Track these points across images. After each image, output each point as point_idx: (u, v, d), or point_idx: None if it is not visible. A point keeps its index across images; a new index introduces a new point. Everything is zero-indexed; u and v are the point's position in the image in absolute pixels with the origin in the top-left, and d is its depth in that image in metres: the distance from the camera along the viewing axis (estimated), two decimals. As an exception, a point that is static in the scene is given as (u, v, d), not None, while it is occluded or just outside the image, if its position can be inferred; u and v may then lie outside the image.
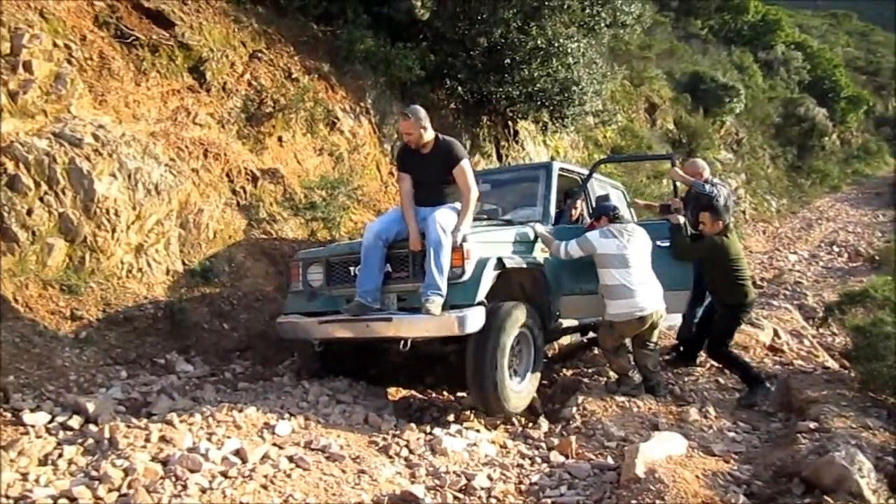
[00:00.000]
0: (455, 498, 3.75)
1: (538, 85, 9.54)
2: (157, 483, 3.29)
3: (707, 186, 6.25)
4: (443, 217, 4.77)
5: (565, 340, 7.17)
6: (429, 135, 5.09)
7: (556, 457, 4.35)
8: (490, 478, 3.99)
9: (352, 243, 5.49)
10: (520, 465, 4.26)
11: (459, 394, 5.55)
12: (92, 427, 3.92)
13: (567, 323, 5.89)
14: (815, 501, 3.45)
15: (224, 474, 3.49)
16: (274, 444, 3.93)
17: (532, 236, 5.52)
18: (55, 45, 5.55)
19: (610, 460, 4.23)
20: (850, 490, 3.44)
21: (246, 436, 3.96)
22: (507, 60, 9.26)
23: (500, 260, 4.87)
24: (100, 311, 5.04)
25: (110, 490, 3.23)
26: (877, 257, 13.36)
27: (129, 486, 3.25)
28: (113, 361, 4.93)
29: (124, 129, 5.72)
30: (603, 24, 10.53)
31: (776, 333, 7.44)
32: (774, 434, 4.88)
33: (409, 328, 4.66)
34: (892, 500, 3.47)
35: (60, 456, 3.56)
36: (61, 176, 5.10)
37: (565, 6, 9.49)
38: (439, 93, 9.62)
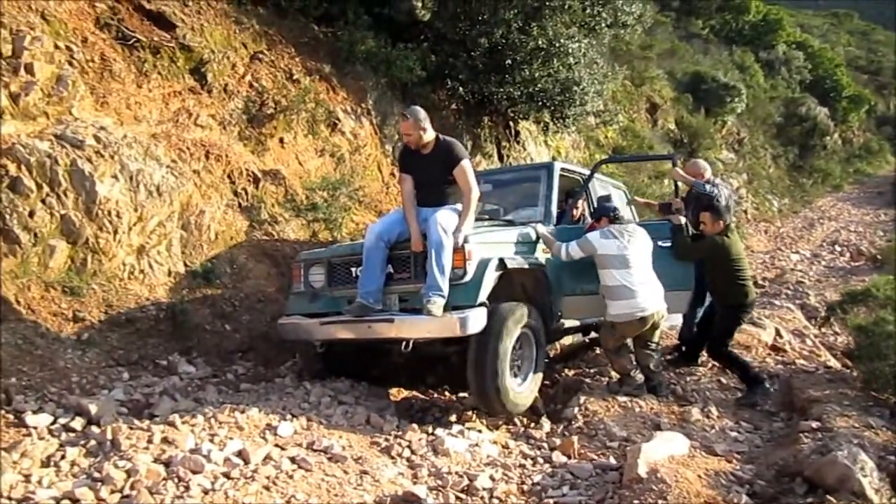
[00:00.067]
0: (457, 498, 3.75)
1: (539, 85, 9.54)
2: (159, 484, 3.30)
3: (707, 186, 6.25)
4: (444, 218, 4.77)
5: (567, 340, 7.17)
6: (429, 135, 5.09)
7: (558, 457, 4.35)
8: (492, 478, 3.99)
9: (353, 244, 5.49)
10: (522, 466, 4.26)
11: (461, 394, 5.55)
12: (94, 428, 3.92)
13: (569, 323, 5.89)
14: (817, 501, 3.45)
15: (226, 475, 3.49)
16: (276, 445, 3.93)
17: (534, 237, 5.52)
18: (56, 47, 5.56)
19: (612, 460, 4.23)
20: (852, 489, 3.44)
21: (248, 437, 3.96)
22: (508, 61, 9.26)
23: (501, 261, 4.87)
24: (102, 312, 5.05)
25: (113, 491, 3.24)
26: (879, 256, 13.35)
27: (132, 488, 3.25)
28: (115, 363, 4.93)
29: (126, 130, 5.72)
30: (604, 25, 10.53)
31: (778, 333, 7.44)
32: (777, 434, 4.88)
33: (410, 329, 4.66)
34: (894, 500, 3.47)
35: (63, 457, 3.56)
36: (63, 178, 5.10)
37: (566, 6, 9.49)
38: (440, 93, 9.62)
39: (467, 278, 4.70)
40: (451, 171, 5.02)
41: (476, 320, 4.55)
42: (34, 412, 4.06)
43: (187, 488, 3.30)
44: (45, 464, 3.53)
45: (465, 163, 5.05)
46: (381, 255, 4.89)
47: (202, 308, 5.67)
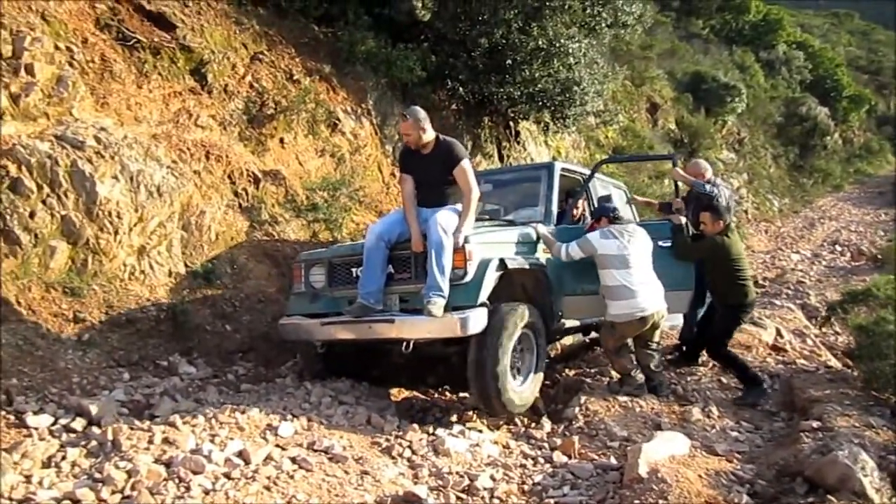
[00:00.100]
0: (458, 498, 3.75)
1: (539, 85, 9.54)
2: (160, 485, 3.30)
3: (707, 186, 6.25)
4: (444, 218, 4.77)
5: (568, 340, 7.17)
6: (429, 135, 5.09)
7: (558, 457, 4.35)
8: (493, 478, 4.00)
9: (354, 244, 5.50)
10: (523, 466, 4.26)
11: (462, 394, 5.55)
12: (95, 429, 3.92)
13: (569, 323, 5.89)
14: (818, 500, 3.45)
15: (227, 476, 3.49)
16: (277, 446, 3.93)
17: (534, 237, 5.52)
18: (57, 47, 5.56)
19: (613, 460, 4.24)
20: (853, 489, 3.44)
21: (249, 437, 3.96)
22: (509, 61, 9.26)
23: (502, 261, 4.87)
24: (102, 313, 5.05)
25: (114, 492, 3.24)
26: (879, 256, 13.35)
27: (133, 488, 3.26)
28: (116, 363, 4.93)
29: (126, 131, 5.73)
30: (604, 25, 10.52)
31: (779, 333, 7.44)
32: (777, 433, 4.89)
33: (411, 330, 4.66)
34: (895, 499, 3.46)
35: (64, 458, 3.57)
36: (63, 178, 5.11)
37: (566, 7, 9.49)
38: (440, 94, 9.62)
39: (468, 279, 4.70)
40: (452, 171, 5.02)
41: (477, 321, 4.55)
42: (35, 413, 4.06)
43: (188, 489, 3.31)
44: (46, 464, 3.54)
45: (466, 163, 5.05)
46: (382, 256, 4.89)
47: (203, 308, 5.67)
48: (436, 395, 5.71)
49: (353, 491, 3.59)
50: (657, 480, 3.61)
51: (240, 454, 3.72)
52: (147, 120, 6.08)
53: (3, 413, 4.01)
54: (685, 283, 5.71)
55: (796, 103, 27.79)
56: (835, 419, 4.56)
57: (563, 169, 6.37)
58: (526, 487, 3.96)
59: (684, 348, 6.51)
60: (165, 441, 3.74)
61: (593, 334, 6.89)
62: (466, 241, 4.76)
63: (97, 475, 3.36)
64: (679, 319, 6.50)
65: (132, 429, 3.85)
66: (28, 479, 3.36)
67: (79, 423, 4.01)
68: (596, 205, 6.33)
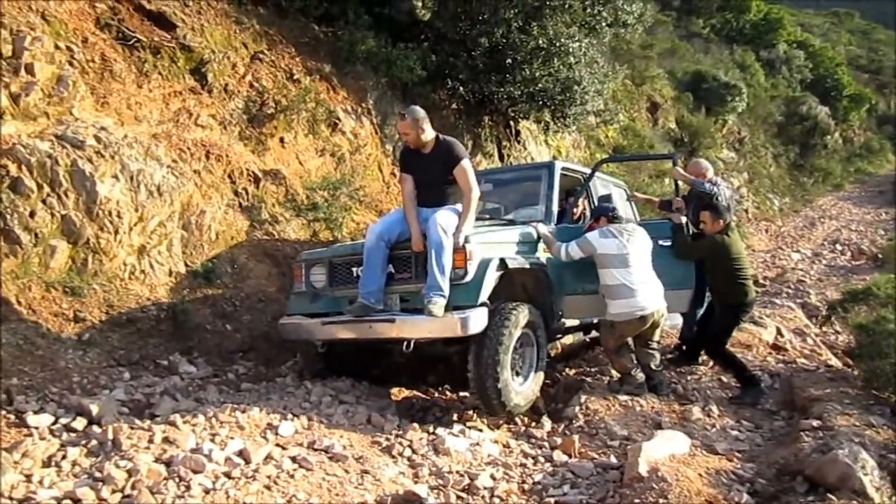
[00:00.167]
0: (458, 497, 3.75)
1: (540, 85, 9.53)
2: (160, 484, 3.30)
3: (707, 185, 6.25)
4: (443, 218, 4.77)
5: (568, 340, 7.17)
6: (428, 135, 5.08)
7: (559, 456, 4.35)
8: (493, 477, 4.00)
9: (354, 244, 5.50)
10: (523, 465, 4.26)
11: (462, 393, 5.55)
12: (95, 428, 3.93)
13: (569, 322, 5.89)
14: (818, 499, 3.45)
15: (227, 475, 3.50)
16: (277, 445, 3.93)
17: (535, 236, 5.52)
18: (57, 47, 5.56)
19: (613, 459, 4.24)
20: (853, 488, 3.44)
21: (249, 436, 3.97)
22: (509, 60, 9.25)
23: (502, 261, 4.87)
24: (102, 312, 5.05)
25: (114, 491, 3.24)
26: (880, 255, 13.34)
27: (133, 488, 3.26)
28: (116, 363, 4.94)
29: (126, 130, 5.73)
30: (604, 24, 10.52)
31: (779, 332, 7.44)
32: (777, 432, 4.89)
33: (411, 329, 4.66)
34: (895, 498, 3.46)
35: (64, 457, 3.57)
36: (64, 178, 5.11)
37: (566, 6, 9.49)
38: (441, 93, 9.62)
39: (468, 278, 4.70)
40: (452, 170, 5.02)
41: (477, 320, 4.55)
42: (35, 412, 4.06)
43: (188, 488, 3.31)
44: (47, 464, 3.54)
45: (466, 162, 5.05)
46: (382, 255, 4.89)
47: (203, 308, 5.67)
48: (436, 395, 5.71)
49: (354, 490, 3.60)
50: (657, 479, 3.62)
51: (240, 453, 3.72)
52: (147, 119, 6.08)
53: (4, 412, 4.01)
54: (685, 283, 5.71)
55: (797, 102, 27.78)
56: (835, 418, 4.57)
57: (563, 168, 6.37)
58: (526, 486, 3.97)
59: (684, 347, 6.51)
60: (166, 440, 3.74)
61: (594, 333, 6.88)
62: (467, 240, 4.76)
63: (97, 474, 3.36)
64: (678, 318, 6.49)
65: (132, 428, 3.85)
66: (28, 478, 3.36)
67: (79, 423, 4.01)
68: (596, 204, 6.33)
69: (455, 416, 5.00)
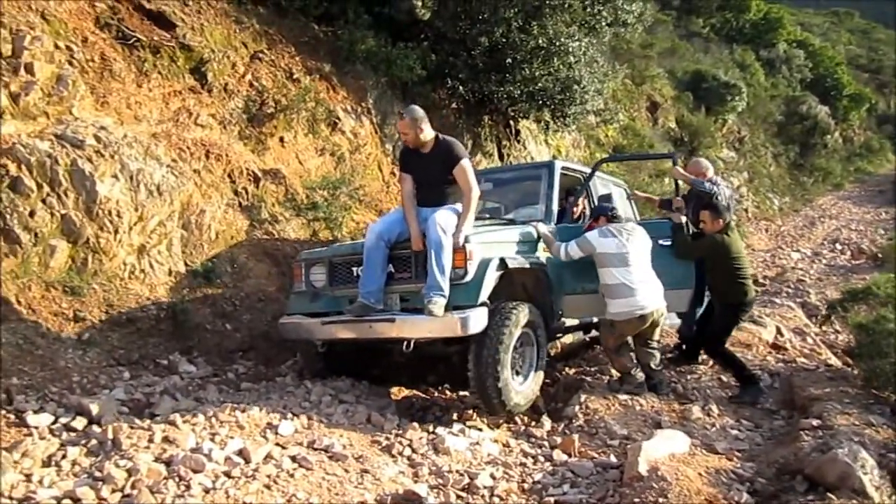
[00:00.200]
0: (458, 497, 3.75)
1: (539, 84, 9.53)
2: (160, 483, 3.30)
3: (707, 185, 6.24)
4: (443, 218, 4.77)
5: (568, 339, 7.17)
6: (427, 135, 5.08)
7: (558, 455, 4.35)
8: (493, 476, 4.00)
9: (354, 244, 5.50)
10: (523, 464, 4.26)
11: (462, 393, 5.55)
12: (95, 428, 3.93)
13: (569, 322, 5.89)
14: (818, 498, 3.45)
15: (227, 474, 3.50)
16: (277, 444, 3.93)
17: (535, 236, 5.52)
18: (56, 46, 5.56)
19: (613, 458, 4.24)
20: (853, 487, 3.44)
21: (249, 436, 3.97)
22: (509, 60, 9.25)
23: (502, 260, 4.87)
24: (102, 312, 5.05)
25: (114, 491, 3.24)
26: (879, 255, 13.34)
27: (133, 487, 3.26)
28: (116, 362, 4.94)
29: (126, 130, 5.73)
30: (604, 23, 10.52)
31: (779, 331, 7.45)
32: (777, 432, 4.89)
33: (412, 329, 4.66)
34: (895, 497, 3.46)
35: (64, 457, 3.57)
36: (63, 177, 5.11)
37: (566, 5, 9.48)
38: (441, 92, 9.62)
39: (468, 278, 4.70)
40: (451, 170, 5.02)
41: (477, 320, 4.55)
42: (35, 412, 4.06)
43: (188, 487, 3.31)
44: (46, 463, 3.54)
45: (465, 162, 5.05)
46: (382, 255, 4.89)
47: (203, 307, 5.67)
48: (436, 394, 5.71)
49: (353, 489, 3.60)
50: (657, 478, 3.62)
51: (240, 453, 3.72)
52: (147, 119, 6.08)
53: (4, 412, 4.01)
54: (685, 282, 5.71)
55: (796, 102, 27.78)
56: (835, 417, 4.57)
57: (563, 167, 6.36)
58: (526, 486, 3.97)
59: (684, 347, 6.51)
60: (165, 440, 3.74)
61: (593, 333, 6.88)
62: (467, 240, 4.76)
63: (97, 474, 3.37)
64: (676, 317, 6.49)
65: (132, 427, 3.85)
66: (28, 477, 3.36)
67: (79, 422, 4.01)
68: (596, 203, 6.33)
69: (455, 416, 5.00)
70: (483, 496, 3.77)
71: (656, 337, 5.51)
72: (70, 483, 3.32)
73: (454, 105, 9.81)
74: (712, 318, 5.90)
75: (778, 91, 28.38)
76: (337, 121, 7.92)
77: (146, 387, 4.75)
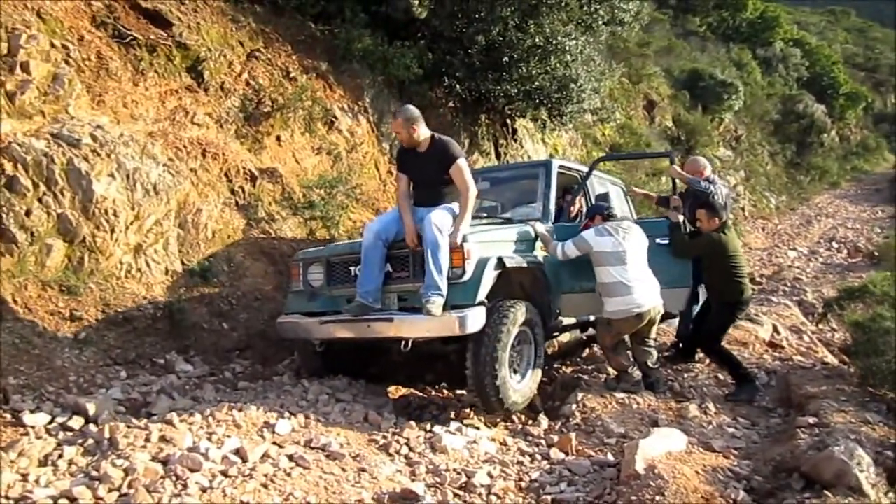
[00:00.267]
0: (455, 495, 3.75)
1: (536, 83, 9.53)
2: (157, 483, 3.30)
3: (704, 184, 6.26)
4: (438, 217, 4.77)
5: (565, 338, 7.18)
6: (422, 134, 5.08)
7: (555, 454, 4.35)
8: (490, 475, 4.00)
9: (352, 243, 5.49)
10: (520, 463, 4.26)
11: (459, 391, 5.55)
12: (92, 427, 3.92)
13: (566, 320, 5.90)
14: (814, 496, 3.46)
15: (224, 473, 3.49)
16: (274, 443, 3.93)
17: (532, 234, 5.52)
18: (53, 45, 5.54)
19: (610, 457, 4.24)
20: (849, 484, 3.45)
21: (246, 435, 3.97)
22: (506, 58, 9.24)
23: (500, 259, 4.87)
24: (99, 311, 5.04)
25: (110, 490, 3.24)
26: (876, 253, 13.35)
27: (130, 486, 3.26)
28: (112, 362, 4.93)
29: (122, 129, 5.72)
30: (601, 22, 10.52)
31: (776, 329, 7.46)
32: (774, 429, 4.90)
33: (410, 328, 4.67)
34: (891, 494, 3.48)
35: (60, 456, 3.57)
36: (60, 176, 5.10)
37: (563, 4, 9.49)
38: (437, 91, 9.61)
39: (466, 277, 4.71)
40: (447, 170, 5.02)
41: (475, 319, 4.56)
42: (32, 411, 4.06)
43: (185, 486, 3.31)
44: (43, 463, 3.54)
45: (461, 161, 5.05)
46: (380, 254, 4.89)
47: (199, 306, 5.67)
48: (433, 393, 5.71)
49: (351, 488, 3.60)
50: (654, 477, 3.62)
51: (237, 452, 3.72)
52: (143, 118, 6.07)
53: (0, 411, 4.01)
54: (682, 280, 5.72)
55: (793, 101, 27.83)
56: (831, 415, 4.58)
57: (560, 166, 6.37)
58: (523, 484, 3.97)
59: (681, 345, 6.52)
60: (162, 439, 3.74)
61: (590, 331, 6.89)
62: (465, 239, 4.76)
63: (94, 473, 3.36)
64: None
65: (129, 427, 3.85)
66: (25, 477, 3.36)
67: (76, 422, 4.01)
68: (594, 202, 6.34)
69: (452, 414, 5.00)
70: (480, 494, 3.77)
71: (653, 335, 5.52)
72: (67, 482, 3.32)
73: (451, 104, 9.80)
74: (709, 317, 5.91)
75: (774, 90, 28.42)
76: (334, 119, 7.91)
77: (143, 386, 4.74)
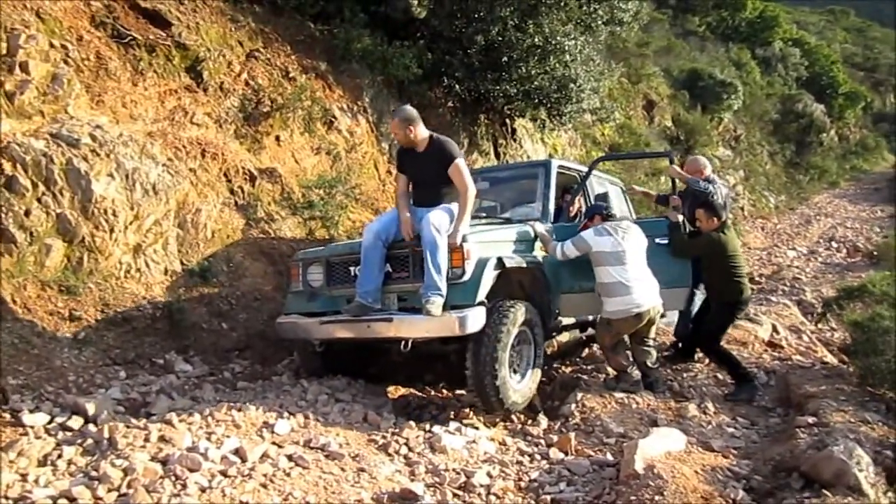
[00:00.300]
0: (454, 495, 3.75)
1: (536, 83, 9.53)
2: (156, 482, 3.30)
3: (703, 183, 6.26)
4: (436, 218, 4.77)
5: (564, 337, 7.18)
6: (420, 135, 5.09)
7: (555, 453, 4.35)
8: (489, 475, 4.00)
9: (352, 243, 5.49)
10: (519, 462, 4.26)
11: (458, 391, 5.55)
12: (91, 427, 3.92)
13: (566, 320, 5.90)
14: (813, 496, 3.46)
15: (223, 473, 3.49)
16: (273, 443, 3.93)
17: (532, 234, 5.53)
18: (52, 45, 5.54)
19: (609, 456, 4.24)
20: (848, 484, 3.45)
21: (245, 435, 3.97)
22: (505, 58, 9.24)
23: (500, 260, 4.87)
24: (98, 311, 5.04)
25: (110, 490, 3.24)
26: (875, 252, 13.36)
27: (129, 486, 3.26)
28: (112, 362, 4.93)
29: (121, 129, 5.71)
30: (600, 22, 10.52)
31: (775, 329, 7.46)
32: (773, 429, 4.90)
33: (409, 329, 4.67)
34: (890, 494, 3.48)
35: (60, 456, 3.57)
36: (59, 176, 5.09)
37: (562, 4, 9.48)
38: (437, 91, 9.61)
39: (466, 277, 4.71)
40: (446, 170, 5.02)
41: (475, 320, 4.56)
42: (31, 411, 4.06)
43: (184, 486, 3.30)
44: (42, 463, 3.53)
45: (459, 161, 5.05)
46: (380, 255, 4.89)
47: (199, 306, 5.67)
48: (432, 393, 5.71)
49: (350, 488, 3.59)
50: (653, 476, 3.62)
51: (236, 452, 3.72)
52: (142, 118, 6.07)
53: (0, 411, 4.00)
54: (682, 280, 5.72)
55: (792, 100, 27.83)
56: (830, 415, 4.58)
57: (559, 166, 6.38)
58: (522, 484, 3.97)
59: (680, 345, 6.52)
60: (162, 439, 3.74)
61: (590, 331, 6.89)
62: (464, 240, 4.76)
63: (93, 473, 3.36)
64: (674, 315, 6.50)
65: (128, 427, 3.85)
66: (24, 477, 3.36)
67: (75, 422, 4.00)
68: (593, 202, 6.34)
69: (451, 414, 5.00)
70: (479, 494, 3.77)
71: (652, 335, 5.52)
72: (66, 482, 3.32)
73: (450, 104, 9.80)
74: (708, 316, 5.91)
75: (774, 89, 28.43)
76: (333, 119, 7.91)
77: (142, 386, 4.74)
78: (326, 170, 7.58)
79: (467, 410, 4.96)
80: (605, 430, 4.65)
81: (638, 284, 5.25)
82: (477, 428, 4.70)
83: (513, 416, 4.97)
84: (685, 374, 6.01)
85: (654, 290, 5.36)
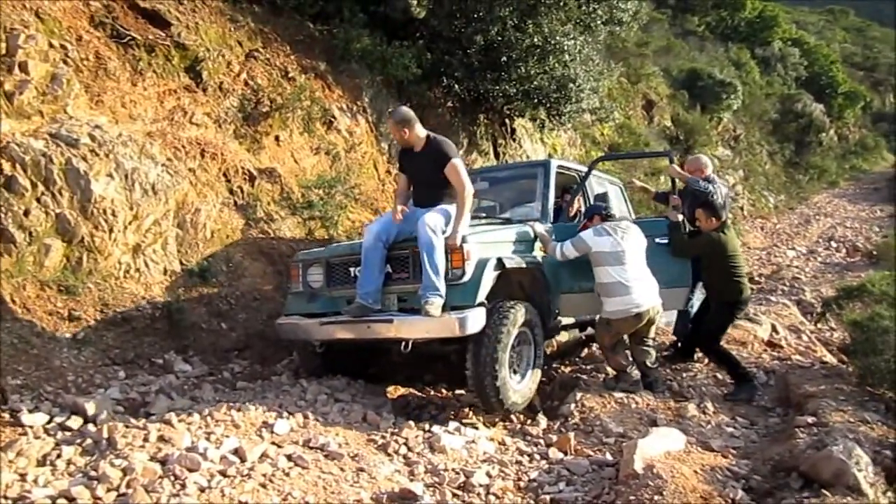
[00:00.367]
0: (454, 495, 3.75)
1: (535, 82, 9.53)
2: (155, 482, 3.30)
3: (702, 183, 6.26)
4: (431, 219, 4.77)
5: (564, 337, 7.18)
6: (417, 135, 5.09)
7: (554, 453, 4.35)
8: (489, 475, 4.00)
9: (352, 244, 5.49)
10: (518, 462, 4.26)
11: (458, 391, 5.55)
12: (90, 427, 3.92)
13: (566, 320, 5.90)
14: (813, 495, 3.46)
15: (223, 473, 3.49)
16: (272, 443, 3.93)
17: (531, 235, 5.53)
18: (51, 45, 5.54)
19: (608, 456, 4.24)
20: (847, 484, 3.45)
21: (244, 435, 3.97)
22: (504, 58, 9.24)
23: (499, 260, 4.87)
24: (97, 311, 5.04)
25: (109, 490, 3.24)
26: (874, 252, 13.37)
27: (128, 486, 3.26)
28: (111, 362, 4.93)
29: (121, 129, 5.71)
30: (599, 22, 10.52)
31: (774, 329, 7.46)
32: (773, 429, 4.90)
33: (409, 329, 4.67)
34: (889, 493, 3.48)
35: (59, 456, 3.57)
36: (58, 176, 5.09)
37: (562, 4, 9.48)
38: (436, 91, 9.61)
39: (466, 278, 4.71)
40: (443, 169, 5.02)
41: (475, 320, 4.56)
42: (30, 411, 4.06)
43: (183, 486, 3.30)
44: (41, 463, 3.54)
45: (456, 161, 5.05)
46: (380, 255, 4.89)
47: (198, 306, 5.67)
48: (432, 392, 5.71)
49: (349, 488, 3.59)
50: (653, 476, 3.62)
51: (235, 452, 3.72)
52: (142, 118, 6.06)
53: (-1, 411, 4.01)
54: (681, 280, 5.72)
55: (792, 100, 27.83)
56: (830, 414, 4.58)
57: (559, 166, 6.38)
58: (522, 484, 3.97)
59: (680, 344, 6.52)
60: (161, 439, 3.74)
61: (589, 331, 6.89)
62: (464, 240, 4.76)
63: (92, 473, 3.37)
64: (674, 315, 6.51)
65: (127, 427, 3.85)
66: (23, 477, 3.35)
67: (74, 422, 4.00)
68: (592, 202, 6.34)
69: (451, 414, 5.00)
70: (479, 494, 3.77)
71: (652, 335, 5.52)
72: (65, 482, 3.32)
73: (450, 104, 9.81)
74: (707, 316, 5.91)
75: (773, 89, 28.43)
76: (332, 119, 7.91)
77: (141, 386, 4.74)
78: (326, 170, 7.58)
79: (467, 410, 4.97)
80: (605, 429, 4.65)
81: (637, 284, 5.25)
82: (476, 428, 4.70)
83: (512, 416, 4.97)
84: (684, 374, 6.01)
85: (654, 290, 5.36)
